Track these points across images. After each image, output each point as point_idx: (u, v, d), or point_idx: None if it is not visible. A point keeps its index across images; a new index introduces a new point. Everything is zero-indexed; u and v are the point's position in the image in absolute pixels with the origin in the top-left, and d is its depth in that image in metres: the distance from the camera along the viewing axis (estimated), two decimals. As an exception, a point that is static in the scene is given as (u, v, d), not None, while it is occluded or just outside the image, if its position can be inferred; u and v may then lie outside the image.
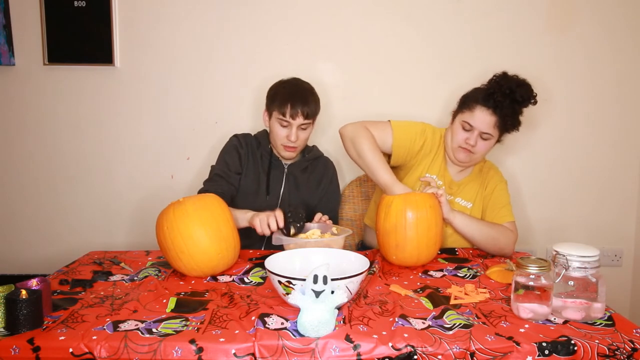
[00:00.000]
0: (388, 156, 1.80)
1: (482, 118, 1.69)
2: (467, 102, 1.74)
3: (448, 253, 1.71)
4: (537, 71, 2.24)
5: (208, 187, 1.81)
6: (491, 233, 1.70)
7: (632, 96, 2.26)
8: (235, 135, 1.93)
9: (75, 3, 2.16)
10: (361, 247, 2.08)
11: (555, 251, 1.21)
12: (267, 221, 1.58)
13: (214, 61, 2.23)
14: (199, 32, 2.21)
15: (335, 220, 1.99)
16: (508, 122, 1.70)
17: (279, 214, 1.58)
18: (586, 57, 2.23)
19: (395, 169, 1.83)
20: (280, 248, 1.51)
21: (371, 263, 1.53)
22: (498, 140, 1.78)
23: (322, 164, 2.00)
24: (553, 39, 2.22)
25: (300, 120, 1.79)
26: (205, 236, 1.43)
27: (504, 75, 1.71)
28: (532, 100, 1.69)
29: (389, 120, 1.81)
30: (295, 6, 2.20)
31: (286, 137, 1.81)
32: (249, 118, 2.24)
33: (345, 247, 1.56)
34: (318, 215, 1.73)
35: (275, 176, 1.90)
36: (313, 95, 1.85)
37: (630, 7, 2.20)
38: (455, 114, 1.80)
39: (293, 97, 1.79)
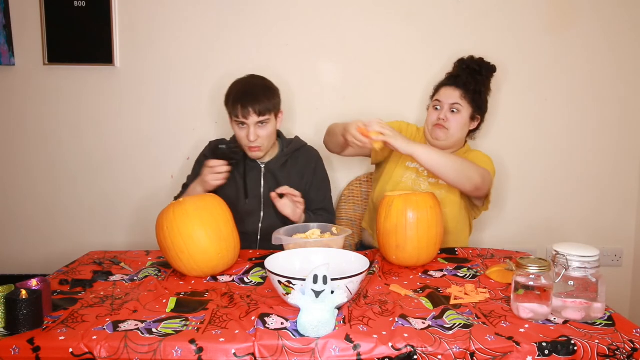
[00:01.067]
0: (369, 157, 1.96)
1: (447, 93, 1.85)
2: (435, 90, 1.93)
3: (448, 253, 1.71)
4: (537, 71, 2.24)
5: (179, 196, 1.81)
6: (462, 165, 1.67)
7: (632, 96, 2.26)
8: (210, 142, 1.94)
9: (75, 3, 2.16)
10: (360, 247, 2.08)
11: (555, 251, 1.21)
12: (212, 173, 1.68)
13: (214, 61, 2.23)
14: (198, 32, 2.21)
15: (329, 206, 1.95)
16: (470, 90, 1.82)
17: (212, 162, 1.67)
18: (586, 56, 2.23)
19: (378, 167, 1.99)
20: (280, 248, 1.51)
21: (371, 263, 1.53)
22: (473, 119, 1.86)
23: (304, 154, 1.94)
24: (553, 38, 2.22)
25: (254, 118, 1.73)
26: (205, 236, 1.43)
27: (461, 58, 1.91)
28: (490, 70, 1.88)
29: None
30: (295, 6, 2.20)
31: (246, 137, 1.76)
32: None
33: (345, 247, 1.56)
34: (284, 188, 1.73)
35: (253, 177, 1.86)
36: (266, 90, 1.79)
37: (630, 7, 2.20)
38: (428, 107, 1.94)
39: (244, 96, 1.74)
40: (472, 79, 1.84)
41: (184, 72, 2.24)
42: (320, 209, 1.90)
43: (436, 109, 1.86)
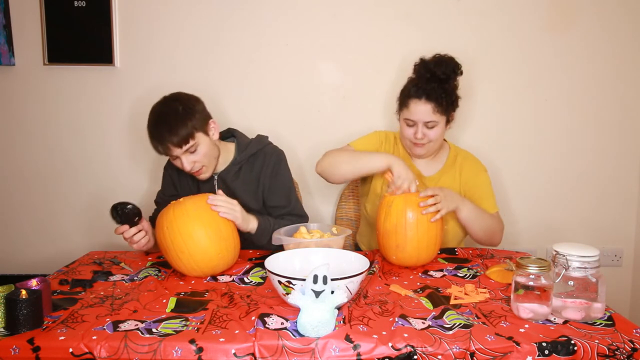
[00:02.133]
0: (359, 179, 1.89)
1: (419, 109, 1.71)
2: (402, 99, 1.78)
3: (448, 253, 1.71)
4: (537, 71, 2.24)
5: (154, 216, 1.78)
6: (491, 226, 1.72)
7: (633, 96, 2.26)
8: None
9: (75, 3, 2.16)
10: (359, 248, 2.08)
11: (555, 251, 1.21)
12: (130, 243, 1.59)
13: (214, 61, 2.23)
14: (199, 32, 2.21)
15: (299, 210, 1.81)
16: (443, 103, 1.71)
17: (119, 230, 1.57)
18: (586, 56, 2.23)
19: (364, 181, 1.91)
20: (280, 248, 1.51)
21: (371, 263, 1.53)
22: (448, 121, 1.78)
23: (261, 158, 1.78)
24: (553, 38, 2.21)
25: (178, 150, 1.60)
26: (205, 236, 1.43)
27: (422, 61, 1.76)
28: (457, 72, 1.74)
29: (348, 144, 1.85)
30: (295, 6, 2.20)
31: (182, 167, 1.65)
32: (248, 117, 2.24)
33: (345, 247, 1.56)
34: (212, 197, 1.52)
35: (207, 190, 1.71)
36: (177, 116, 1.60)
37: (631, 7, 2.20)
38: (398, 113, 1.82)
39: (157, 135, 1.61)
40: (441, 90, 1.70)
41: (184, 72, 2.24)
42: (286, 215, 1.78)
43: (409, 125, 1.76)
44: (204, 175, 1.70)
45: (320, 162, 1.78)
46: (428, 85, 1.70)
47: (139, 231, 1.58)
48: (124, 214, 1.55)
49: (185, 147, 1.60)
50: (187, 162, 1.63)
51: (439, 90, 1.70)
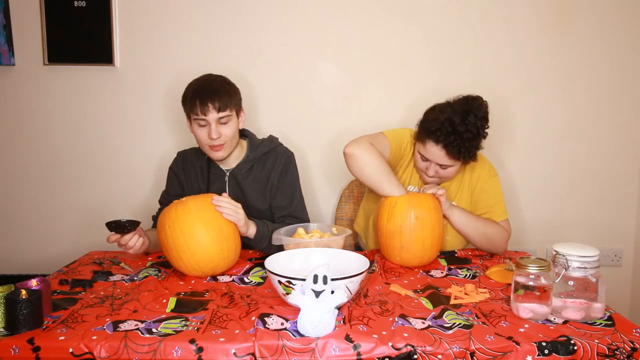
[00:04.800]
0: None
1: (435, 152, 1.63)
2: (421, 132, 1.67)
3: (448, 253, 1.71)
4: (537, 71, 2.24)
5: (157, 216, 1.77)
6: (486, 231, 1.70)
7: (632, 96, 2.26)
8: (178, 153, 1.87)
9: (75, 3, 2.16)
10: (358, 248, 2.07)
11: (555, 251, 1.21)
12: (125, 250, 1.57)
13: (214, 61, 2.23)
14: (199, 32, 2.21)
15: (299, 213, 1.80)
16: (461, 154, 1.61)
17: (111, 238, 1.54)
18: (586, 57, 2.23)
19: None
20: (280, 248, 1.51)
21: (371, 263, 1.53)
22: (465, 162, 1.69)
23: (272, 157, 1.79)
24: (552, 38, 2.22)
25: (214, 114, 1.63)
26: (207, 236, 1.43)
27: (449, 119, 1.59)
28: (481, 134, 1.62)
29: (382, 132, 1.75)
30: (296, 6, 2.20)
31: (208, 136, 1.65)
32: (248, 117, 2.24)
33: (345, 247, 1.56)
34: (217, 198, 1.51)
35: (217, 187, 1.75)
36: (224, 85, 1.69)
37: (630, 7, 2.20)
38: (414, 138, 1.73)
39: (201, 93, 1.64)
40: (463, 146, 1.59)
41: (184, 72, 2.23)
42: (287, 216, 1.77)
43: (423, 160, 1.69)
44: (221, 154, 1.70)
45: (351, 149, 1.64)
46: (447, 137, 1.58)
47: (133, 236, 1.56)
48: (119, 227, 1.53)
49: (222, 114, 1.64)
50: (216, 130, 1.64)
51: (461, 146, 1.59)
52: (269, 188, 1.77)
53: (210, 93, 1.64)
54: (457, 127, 1.57)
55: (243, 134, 1.86)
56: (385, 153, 1.71)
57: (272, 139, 1.85)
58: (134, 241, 1.56)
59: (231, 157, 1.76)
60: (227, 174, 1.77)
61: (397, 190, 1.60)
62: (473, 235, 1.69)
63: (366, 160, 1.63)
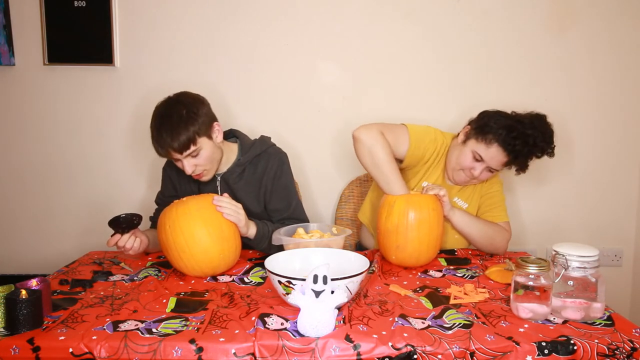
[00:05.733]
0: (399, 161, 1.73)
1: (496, 157, 1.65)
2: (486, 132, 1.65)
3: (448, 253, 1.71)
4: (537, 70, 2.24)
5: (155, 217, 1.79)
6: (488, 232, 1.71)
7: (632, 96, 2.26)
8: None
9: (75, 3, 2.16)
10: (358, 248, 2.08)
11: (555, 251, 1.21)
12: (124, 252, 1.56)
13: (214, 61, 2.23)
14: (199, 33, 2.21)
15: (299, 214, 1.78)
16: (518, 166, 1.69)
17: (111, 242, 1.53)
18: (586, 56, 2.23)
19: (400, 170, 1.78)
20: (281, 248, 1.51)
21: (370, 263, 1.53)
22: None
23: (264, 160, 1.75)
24: (553, 38, 2.21)
25: (179, 155, 1.57)
26: (207, 236, 1.43)
27: (533, 122, 1.66)
28: (549, 152, 1.69)
29: (404, 124, 1.73)
30: (295, 6, 2.20)
31: (183, 169, 1.61)
32: (248, 117, 2.24)
33: (345, 247, 1.56)
34: (218, 198, 1.50)
35: (209, 192, 1.69)
36: (182, 119, 1.55)
37: (631, 7, 2.20)
38: (468, 134, 1.71)
39: (160, 138, 1.56)
40: (526, 158, 1.67)
41: (184, 73, 2.24)
42: (286, 219, 1.74)
43: (475, 158, 1.67)
44: (205, 178, 1.67)
45: (362, 133, 1.64)
46: (523, 148, 1.63)
47: (130, 237, 1.56)
48: (121, 222, 1.53)
49: (186, 153, 1.57)
50: (189, 165, 1.60)
51: (525, 158, 1.66)
52: (262, 191, 1.75)
53: (168, 136, 1.54)
54: (538, 142, 1.63)
55: (233, 134, 1.83)
56: (401, 146, 1.69)
57: (263, 140, 1.80)
58: (131, 242, 1.55)
59: (221, 162, 1.73)
60: (219, 178, 1.75)
61: (394, 187, 1.60)
62: (475, 236, 1.70)
63: (369, 149, 1.62)
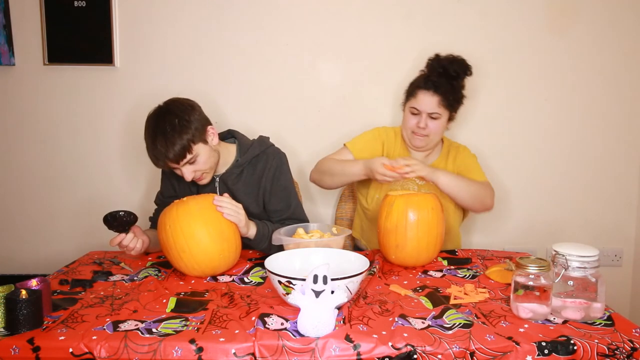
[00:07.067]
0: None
1: (426, 100, 1.80)
2: (411, 89, 1.86)
3: (448, 253, 1.71)
4: (537, 70, 2.24)
5: (155, 217, 1.79)
6: (476, 190, 1.76)
7: (633, 96, 2.26)
8: None
9: (75, 3, 2.16)
10: (356, 248, 2.08)
11: (555, 251, 1.21)
12: (127, 252, 1.57)
13: (214, 61, 2.23)
14: (198, 32, 2.21)
15: (299, 215, 1.78)
16: (450, 97, 1.80)
17: (114, 242, 1.54)
18: (586, 56, 2.23)
19: (365, 182, 1.89)
20: (281, 248, 1.51)
21: (371, 263, 1.53)
22: (450, 119, 1.87)
23: (262, 161, 1.74)
24: (553, 38, 2.21)
25: (177, 165, 1.58)
26: (207, 236, 1.43)
27: (436, 56, 1.85)
28: (467, 73, 1.84)
29: (344, 145, 1.92)
30: (295, 6, 2.20)
31: (182, 176, 1.62)
32: (248, 117, 2.24)
33: (345, 247, 1.56)
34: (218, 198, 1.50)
35: (208, 192, 1.69)
36: (174, 130, 1.55)
37: (631, 7, 2.20)
38: (404, 104, 1.90)
39: (156, 151, 1.57)
40: (449, 85, 1.80)
41: (184, 73, 2.24)
42: (286, 219, 1.74)
43: (413, 114, 1.83)
44: (205, 181, 1.68)
45: (312, 173, 1.92)
46: (439, 79, 1.79)
47: (133, 237, 1.56)
48: (117, 220, 1.53)
49: (183, 161, 1.58)
50: (188, 172, 1.61)
51: (448, 85, 1.80)
52: (261, 192, 1.75)
53: (163, 147, 1.54)
54: (445, 64, 1.80)
55: (231, 135, 1.83)
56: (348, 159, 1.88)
57: (262, 140, 1.80)
58: (135, 242, 1.55)
59: (219, 163, 1.73)
60: (217, 179, 1.74)
61: (358, 163, 1.75)
62: (464, 195, 1.74)
63: (322, 175, 1.86)
